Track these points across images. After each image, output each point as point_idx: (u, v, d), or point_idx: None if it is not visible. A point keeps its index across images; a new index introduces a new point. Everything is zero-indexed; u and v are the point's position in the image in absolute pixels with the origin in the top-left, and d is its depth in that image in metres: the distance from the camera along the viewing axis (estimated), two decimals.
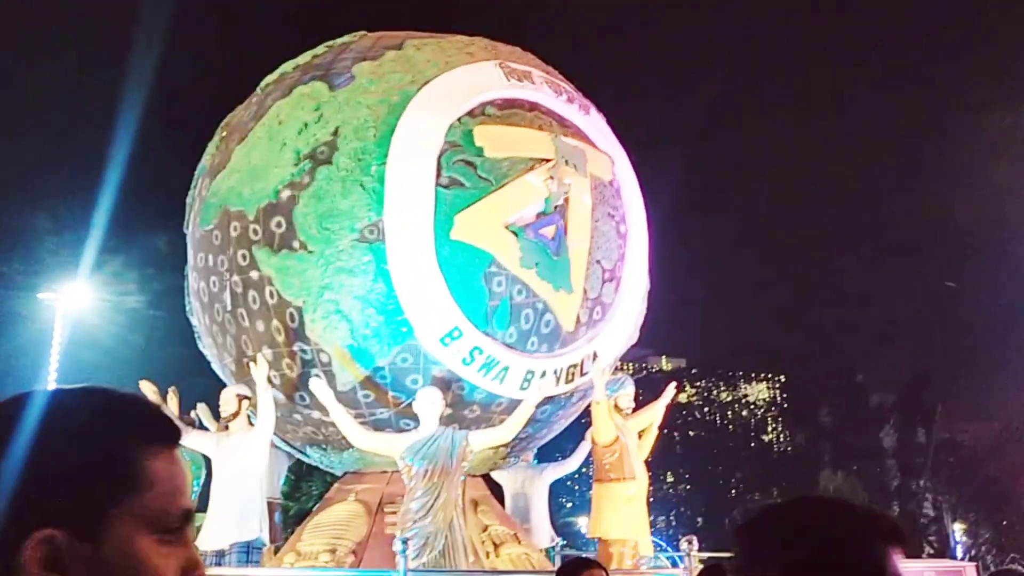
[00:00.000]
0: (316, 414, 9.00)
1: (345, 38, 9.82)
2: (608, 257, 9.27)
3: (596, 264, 9.13)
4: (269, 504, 9.96)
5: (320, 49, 9.75)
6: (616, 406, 9.02)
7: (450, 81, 9.00)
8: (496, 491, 10.75)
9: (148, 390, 8.83)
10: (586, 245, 9.01)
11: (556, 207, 8.87)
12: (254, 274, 8.76)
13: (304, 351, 8.75)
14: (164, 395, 9.18)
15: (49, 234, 32.90)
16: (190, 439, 8.84)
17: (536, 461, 11.35)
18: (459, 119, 8.78)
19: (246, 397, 8.82)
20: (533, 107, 9.31)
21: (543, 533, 10.51)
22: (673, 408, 11.57)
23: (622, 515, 8.71)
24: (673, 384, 10.20)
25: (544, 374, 8.80)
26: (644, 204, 10.34)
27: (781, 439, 58.70)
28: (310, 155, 8.65)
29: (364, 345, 8.54)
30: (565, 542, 12.52)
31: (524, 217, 8.70)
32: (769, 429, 58.58)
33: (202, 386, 9.34)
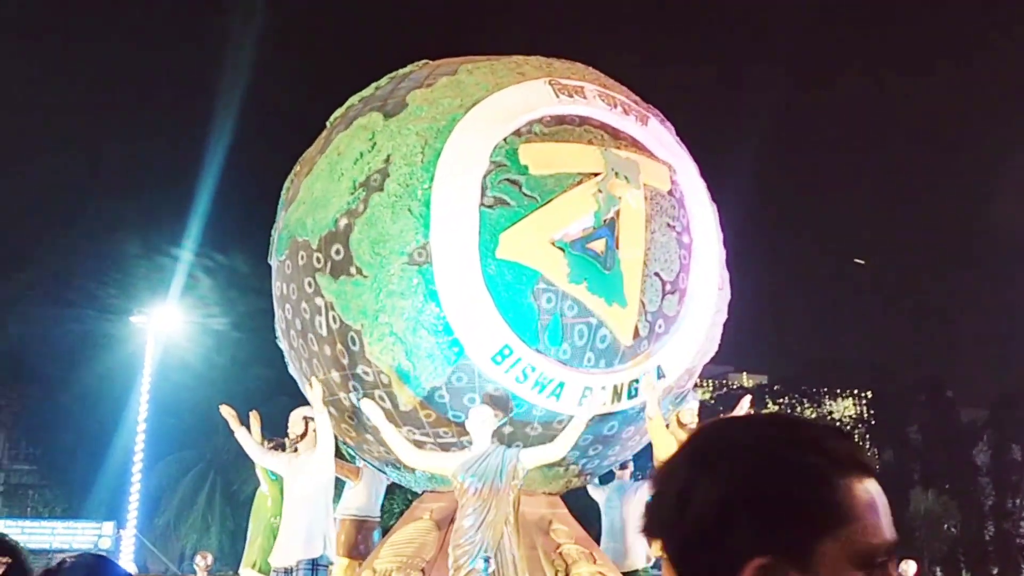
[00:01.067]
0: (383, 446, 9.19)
1: (407, 68, 10.06)
2: (668, 269, 9.11)
3: (654, 276, 8.98)
4: (367, 523, 10.28)
5: (383, 80, 10.03)
6: (679, 421, 8.82)
7: (498, 101, 9.14)
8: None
9: (228, 414, 9.30)
10: (640, 258, 8.88)
11: (606, 220, 8.78)
12: (319, 300, 9.12)
13: (367, 373, 9.00)
14: (246, 418, 9.44)
15: (140, 258, 34.09)
16: (267, 459, 9.22)
17: (634, 479, 11.34)
18: (505, 139, 8.88)
19: (312, 418, 9.13)
20: (584, 121, 9.24)
21: (638, 552, 10.45)
22: None
23: None
24: (748, 397, 9.96)
25: (604, 389, 8.70)
26: (720, 214, 10.19)
27: (869, 457, 57.11)
28: (364, 183, 8.95)
29: (419, 366, 8.72)
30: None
31: (571, 232, 8.66)
32: None
33: (286, 406, 9.59)
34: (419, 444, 8.91)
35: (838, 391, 65.94)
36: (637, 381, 8.88)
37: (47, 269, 34.87)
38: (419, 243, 8.62)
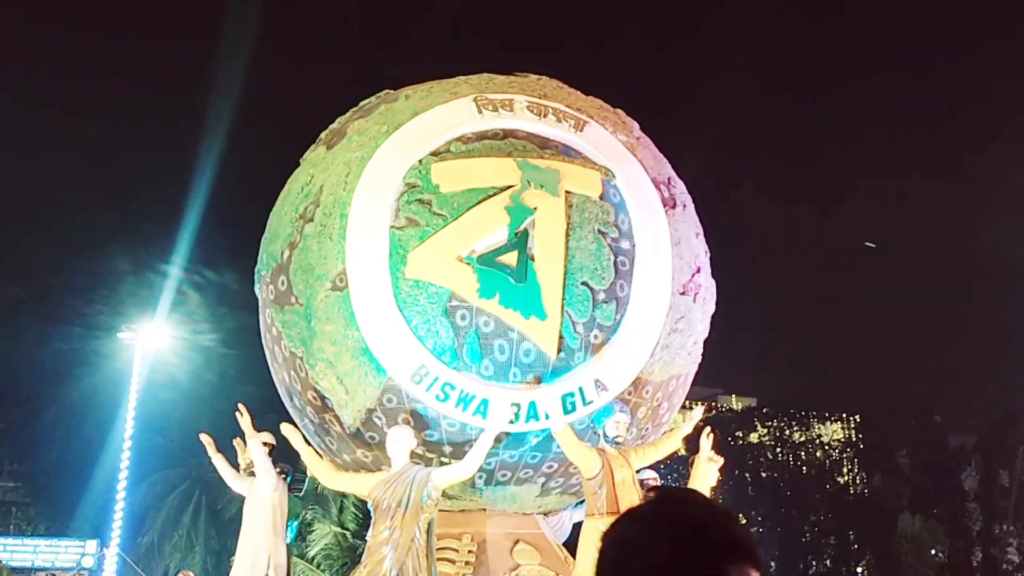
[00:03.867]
0: (346, 456, 9.43)
1: (370, 99, 10.25)
2: (599, 277, 8.78)
3: (581, 286, 8.69)
4: None
5: (348, 114, 10.23)
6: (604, 434, 8.41)
7: (420, 124, 9.28)
8: None
9: (207, 442, 9.71)
10: (560, 268, 8.63)
11: (518, 233, 8.65)
12: (274, 330, 9.53)
13: (315, 398, 9.29)
14: (235, 434, 9.45)
15: (129, 275, 33.95)
16: (235, 484, 9.68)
17: None
18: (420, 160, 8.99)
19: (271, 444, 9.45)
20: (508, 134, 9.19)
21: None
22: (744, 449, 11.25)
23: None
24: (699, 413, 9.54)
25: (533, 405, 8.53)
26: (706, 231, 10.04)
27: (857, 481, 56.87)
28: (301, 215, 9.30)
29: (352, 390, 8.90)
30: None
31: (480, 247, 8.59)
32: (844, 471, 56.54)
33: (275, 424, 9.57)
34: (370, 468, 9.03)
35: (827, 414, 65.70)
36: (571, 395, 8.62)
37: (34, 285, 34.71)
38: (339, 269, 8.82)
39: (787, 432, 54.24)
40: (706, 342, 10.30)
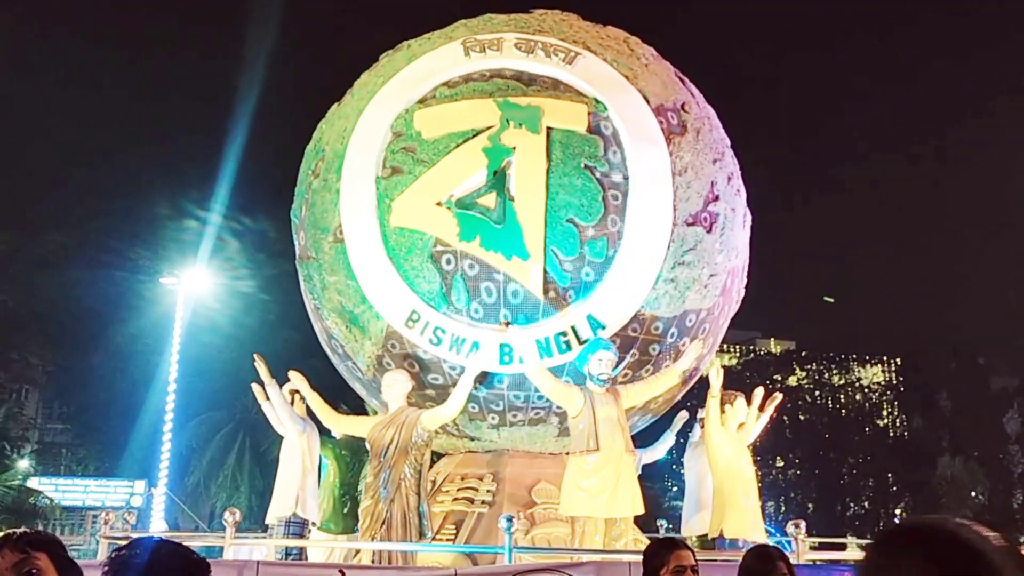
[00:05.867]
0: (375, 400, 9.82)
1: (388, 51, 10.36)
2: (586, 212, 8.55)
3: (566, 223, 8.51)
4: None
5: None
6: (588, 373, 8.23)
7: (409, 72, 9.34)
8: None
9: (260, 367, 9.54)
10: (541, 206, 8.47)
11: (496, 173, 8.56)
12: (302, 285, 10.01)
13: (337, 346, 9.67)
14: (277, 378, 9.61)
15: (170, 220, 34.35)
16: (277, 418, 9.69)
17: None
18: (407, 108, 9.05)
19: (295, 392, 9.70)
20: (495, 74, 9.08)
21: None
22: (782, 392, 11.13)
23: (583, 490, 7.97)
24: (697, 346, 8.92)
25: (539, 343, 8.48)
26: (746, 181, 9.79)
27: (897, 424, 56.58)
28: (312, 171, 9.67)
29: (360, 337, 9.19)
30: (670, 526, 12.44)
31: (459, 191, 8.58)
32: (884, 414, 55.99)
33: (316, 368, 9.73)
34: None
35: (867, 357, 65.27)
36: (563, 334, 8.52)
37: (79, 231, 35.26)
38: (337, 221, 9.08)
39: (826, 375, 53.99)
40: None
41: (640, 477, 10.79)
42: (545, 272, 8.51)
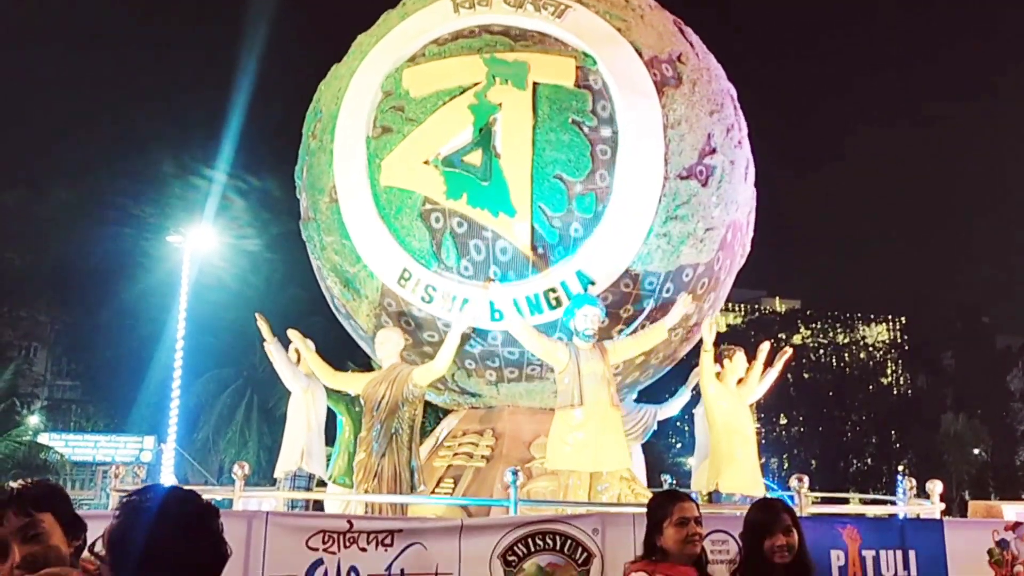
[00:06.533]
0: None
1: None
2: (574, 168, 8.50)
3: (554, 179, 8.48)
4: None
5: None
6: (574, 328, 8.22)
7: (400, 31, 9.34)
8: None
9: (262, 326, 9.63)
10: (527, 162, 8.45)
11: (482, 130, 8.55)
12: (307, 245, 10.13)
13: (339, 306, 9.86)
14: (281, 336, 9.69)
15: (175, 179, 34.33)
16: (283, 373, 9.81)
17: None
18: (397, 67, 9.09)
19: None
20: (484, 30, 9.03)
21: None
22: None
23: (568, 444, 8.04)
24: (686, 300, 8.61)
25: (515, 303, 8.50)
26: (752, 141, 9.70)
27: (901, 382, 56.69)
28: (312, 133, 9.74)
29: (356, 295, 9.34)
30: (674, 481, 12.57)
31: (447, 149, 8.60)
32: (888, 372, 56.22)
33: (321, 326, 9.79)
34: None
35: (872, 316, 65.40)
36: (553, 290, 8.54)
37: (85, 188, 35.28)
38: (332, 182, 9.20)
39: (831, 334, 54.08)
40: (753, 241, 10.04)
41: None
42: (533, 228, 8.53)
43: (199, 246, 26.66)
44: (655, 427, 11.14)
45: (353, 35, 10.22)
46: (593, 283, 8.56)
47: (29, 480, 2.69)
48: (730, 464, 8.82)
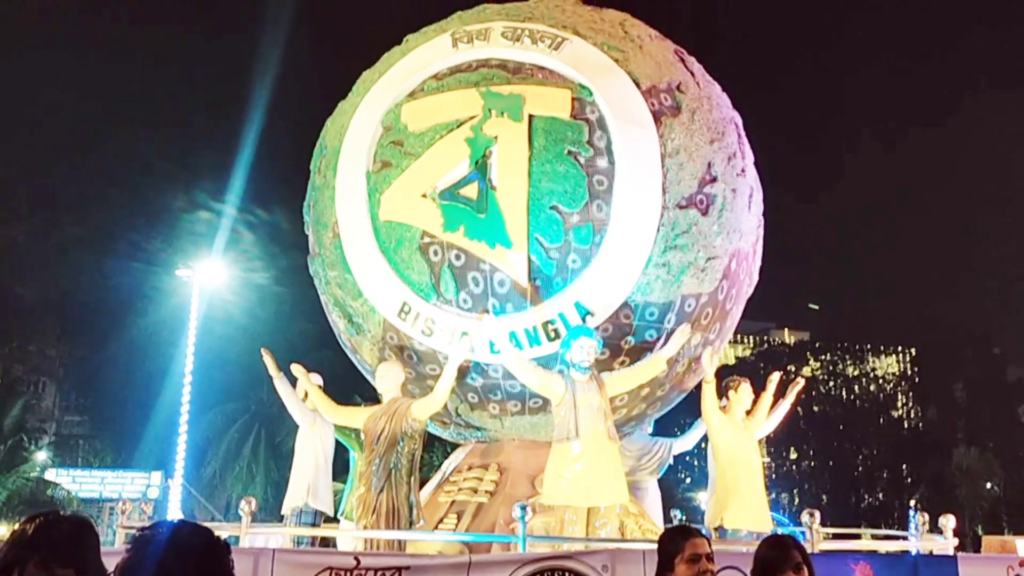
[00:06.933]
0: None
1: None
2: (570, 199, 8.52)
3: (550, 211, 8.50)
4: None
5: None
6: (571, 360, 8.17)
7: (402, 66, 9.51)
8: None
9: (268, 359, 9.61)
10: (523, 194, 8.49)
11: (478, 163, 8.62)
12: (314, 280, 10.18)
13: (342, 342, 9.99)
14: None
15: (185, 213, 34.50)
16: (291, 407, 9.85)
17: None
18: (396, 103, 9.22)
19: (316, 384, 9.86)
20: (482, 64, 9.13)
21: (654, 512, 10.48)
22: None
23: (564, 478, 7.94)
24: (685, 330, 8.56)
25: (513, 335, 8.50)
26: (759, 168, 9.72)
27: (912, 415, 56.26)
28: (317, 170, 9.89)
29: (360, 331, 9.41)
30: (684, 517, 12.48)
31: (444, 182, 8.67)
32: (899, 404, 55.77)
33: (330, 360, 9.78)
34: None
35: (882, 347, 65.03)
36: (552, 322, 8.51)
37: (95, 222, 35.46)
38: (335, 217, 9.32)
39: (841, 366, 53.76)
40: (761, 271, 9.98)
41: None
42: (530, 260, 8.55)
43: (208, 280, 26.74)
44: (671, 461, 11.06)
45: (364, 70, 10.33)
46: (592, 314, 8.54)
47: (62, 513, 2.58)
48: (735, 498, 8.71)
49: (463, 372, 8.81)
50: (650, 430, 10.92)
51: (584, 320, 8.49)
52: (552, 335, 8.51)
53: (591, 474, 7.94)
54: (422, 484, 10.83)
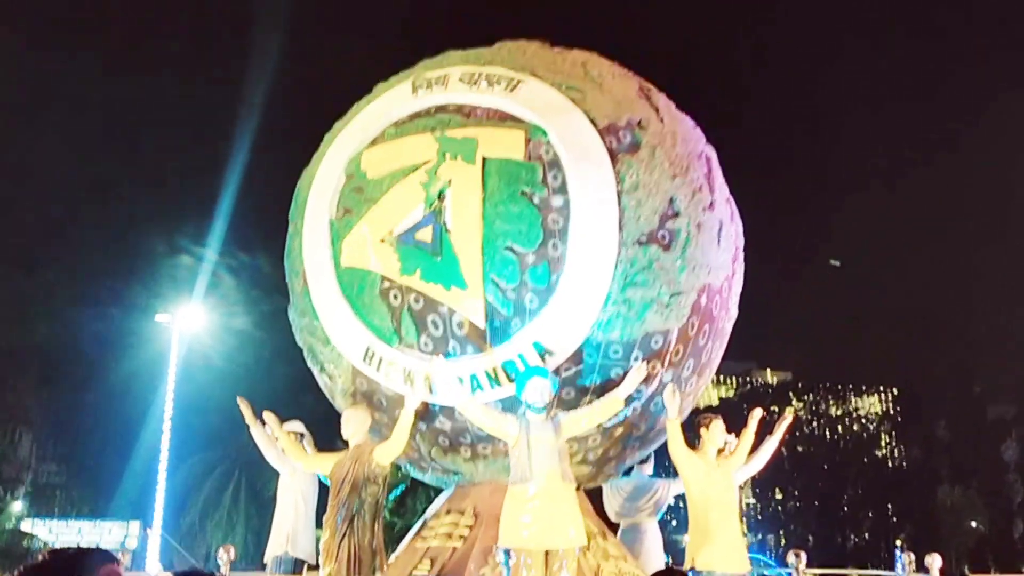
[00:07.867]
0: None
1: None
2: (525, 239, 8.51)
3: (506, 251, 8.50)
4: None
5: None
6: (525, 400, 8.14)
7: (365, 114, 9.73)
8: None
9: (244, 407, 9.71)
10: (476, 235, 8.53)
11: (433, 207, 8.73)
12: (292, 328, 10.24)
13: (324, 386, 9.96)
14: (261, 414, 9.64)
15: (165, 257, 34.41)
16: (269, 455, 10.00)
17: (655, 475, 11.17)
18: (358, 151, 9.42)
19: (295, 433, 9.94)
20: (440, 110, 9.26)
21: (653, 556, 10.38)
22: (780, 423, 10.84)
23: (520, 522, 7.82)
24: (640, 368, 8.48)
25: (474, 377, 8.51)
26: (740, 209, 9.77)
27: (895, 454, 56.28)
28: (291, 221, 10.05)
29: (331, 375, 9.50)
30: (670, 559, 12.38)
31: (400, 227, 8.79)
32: (882, 444, 55.71)
33: (311, 405, 9.72)
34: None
35: (864, 387, 65.24)
36: (512, 363, 8.46)
37: (73, 267, 35.26)
38: (303, 266, 9.53)
39: (823, 406, 53.90)
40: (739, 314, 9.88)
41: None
42: (487, 301, 8.57)
43: (187, 325, 26.56)
44: (671, 501, 10.91)
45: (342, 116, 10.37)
46: (552, 354, 8.47)
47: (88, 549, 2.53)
48: (707, 539, 8.54)
49: (428, 415, 8.85)
50: (650, 471, 10.82)
51: (544, 359, 8.43)
52: (512, 377, 8.47)
53: (546, 516, 7.84)
54: (406, 531, 10.75)
